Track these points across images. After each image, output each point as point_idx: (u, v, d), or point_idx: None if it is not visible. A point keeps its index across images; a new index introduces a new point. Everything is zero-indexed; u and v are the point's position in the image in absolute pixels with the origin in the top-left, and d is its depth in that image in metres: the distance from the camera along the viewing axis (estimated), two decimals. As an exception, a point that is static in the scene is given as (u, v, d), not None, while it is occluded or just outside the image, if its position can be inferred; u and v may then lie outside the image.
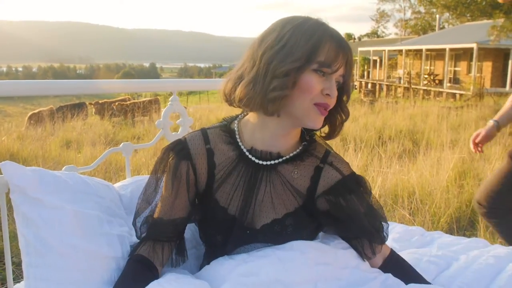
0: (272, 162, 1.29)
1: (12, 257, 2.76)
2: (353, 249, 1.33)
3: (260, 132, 1.28)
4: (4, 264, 3.04)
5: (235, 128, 1.33)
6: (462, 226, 3.77)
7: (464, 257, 1.56)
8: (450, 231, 3.62)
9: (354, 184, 1.29)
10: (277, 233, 1.27)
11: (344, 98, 1.28)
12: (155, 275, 1.28)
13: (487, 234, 3.36)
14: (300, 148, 1.32)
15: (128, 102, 13.70)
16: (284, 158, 1.29)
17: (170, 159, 1.30)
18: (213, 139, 1.32)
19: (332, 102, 1.21)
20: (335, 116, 1.29)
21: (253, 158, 1.29)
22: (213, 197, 1.31)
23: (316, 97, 1.18)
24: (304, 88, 1.17)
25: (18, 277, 2.56)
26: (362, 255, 1.32)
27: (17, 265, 2.64)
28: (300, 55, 1.16)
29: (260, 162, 1.29)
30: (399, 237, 1.77)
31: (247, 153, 1.30)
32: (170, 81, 2.06)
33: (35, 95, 1.75)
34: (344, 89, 1.26)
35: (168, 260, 1.34)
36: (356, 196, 1.27)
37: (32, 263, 1.25)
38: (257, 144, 1.29)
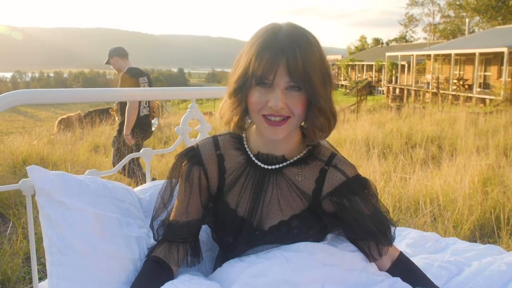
0: (278, 166, 1.34)
1: (40, 258, 2.87)
2: (360, 251, 1.36)
3: (260, 138, 1.34)
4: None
5: (243, 134, 1.39)
6: (485, 233, 3.73)
7: (477, 263, 1.56)
8: (473, 238, 3.59)
9: (358, 186, 1.32)
10: (284, 234, 1.32)
11: (316, 106, 1.21)
12: (170, 275, 1.33)
13: (510, 242, 3.32)
14: (304, 152, 1.36)
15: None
16: (289, 161, 1.34)
17: (183, 165, 1.38)
18: (223, 145, 1.39)
19: (280, 112, 1.19)
20: (307, 124, 1.27)
21: (259, 163, 1.35)
22: (223, 200, 1.37)
23: (263, 109, 1.21)
24: (250, 103, 1.23)
25: (44, 277, 2.64)
26: (369, 256, 1.35)
27: (44, 265, 2.73)
28: (239, 74, 1.22)
29: (266, 166, 1.34)
30: (412, 242, 1.78)
31: (253, 158, 1.36)
32: (189, 89, 2.11)
33: (65, 103, 1.83)
34: (308, 96, 1.20)
35: (184, 261, 1.39)
36: (360, 198, 1.31)
37: (55, 262, 1.32)
38: (262, 148, 1.35)
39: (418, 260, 1.49)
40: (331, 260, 1.27)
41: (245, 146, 1.38)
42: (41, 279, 1.85)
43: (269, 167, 1.34)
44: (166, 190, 1.40)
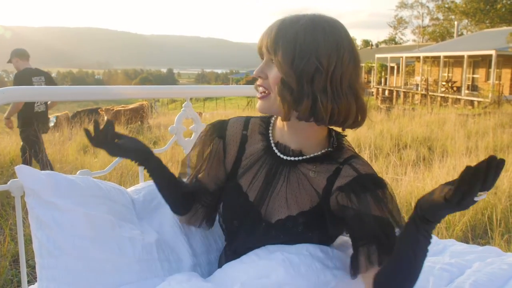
0: (293, 158, 1.30)
1: (28, 260, 2.81)
2: (354, 257, 1.23)
3: (281, 128, 1.33)
4: (20, 266, 3.10)
5: (271, 121, 1.38)
6: (477, 234, 3.73)
7: (477, 264, 1.56)
8: (465, 239, 3.58)
9: (371, 184, 1.23)
10: (288, 230, 1.28)
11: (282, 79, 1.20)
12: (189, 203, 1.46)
13: (502, 243, 3.32)
14: (323, 151, 1.30)
15: (116, 109, 13.81)
16: (305, 157, 1.30)
17: (209, 133, 1.42)
18: (252, 127, 1.39)
19: (261, 83, 1.25)
20: None
21: (277, 152, 1.32)
22: (237, 181, 1.36)
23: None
24: None
25: (33, 280, 2.59)
26: (364, 264, 1.19)
27: (33, 268, 2.68)
28: None
29: (283, 156, 1.31)
30: (410, 244, 1.76)
31: (273, 146, 1.33)
32: (184, 87, 2.07)
33: (55, 101, 1.79)
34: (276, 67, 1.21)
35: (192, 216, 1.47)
36: (372, 197, 1.20)
37: (45, 264, 1.28)
38: (281, 139, 1.33)
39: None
40: (335, 264, 1.23)
41: (269, 132, 1.36)
42: (29, 282, 1.81)
43: (285, 157, 1.31)
44: (193, 153, 1.45)
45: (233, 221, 1.35)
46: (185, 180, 1.47)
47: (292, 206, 1.29)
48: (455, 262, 1.56)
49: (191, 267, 1.45)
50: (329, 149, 1.30)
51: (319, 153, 1.30)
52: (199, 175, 1.42)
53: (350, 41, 1.20)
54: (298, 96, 1.17)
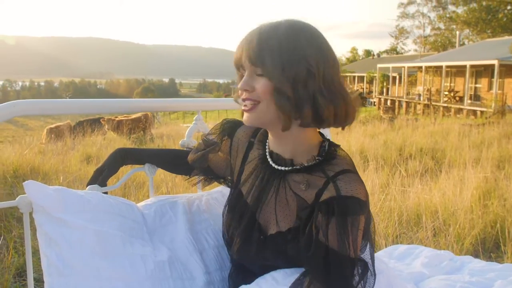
0: (283, 168, 1.26)
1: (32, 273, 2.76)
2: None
3: (272, 137, 1.30)
4: (24, 279, 3.04)
5: None
6: (487, 248, 3.67)
7: (499, 282, 1.51)
8: (475, 253, 3.52)
9: (344, 208, 1.10)
10: (279, 246, 1.22)
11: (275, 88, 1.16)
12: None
13: (515, 257, 3.27)
14: (314, 161, 1.22)
15: (118, 119, 13.82)
16: (294, 167, 1.24)
17: (222, 128, 1.49)
18: (259, 134, 1.38)
19: (247, 96, 1.20)
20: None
21: (270, 161, 1.30)
22: (239, 187, 1.36)
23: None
24: None
25: (38, 295, 2.54)
26: None
27: (37, 281, 2.63)
28: None
29: (275, 166, 1.28)
30: (428, 262, 1.71)
31: (267, 155, 1.31)
32: (195, 100, 2.04)
33: (66, 114, 1.76)
34: (266, 77, 1.18)
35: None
36: (337, 222, 1.09)
37: (54, 284, 1.23)
38: (274, 147, 1.30)
39: (438, 282, 1.43)
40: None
41: (267, 140, 1.33)
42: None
43: (277, 167, 1.27)
44: (206, 138, 1.53)
45: (231, 225, 1.34)
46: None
47: (281, 221, 1.23)
48: (476, 280, 1.51)
49: (205, 285, 1.41)
50: (317, 158, 1.22)
51: (310, 163, 1.22)
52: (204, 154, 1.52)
53: (327, 43, 1.19)
54: (297, 102, 1.14)
